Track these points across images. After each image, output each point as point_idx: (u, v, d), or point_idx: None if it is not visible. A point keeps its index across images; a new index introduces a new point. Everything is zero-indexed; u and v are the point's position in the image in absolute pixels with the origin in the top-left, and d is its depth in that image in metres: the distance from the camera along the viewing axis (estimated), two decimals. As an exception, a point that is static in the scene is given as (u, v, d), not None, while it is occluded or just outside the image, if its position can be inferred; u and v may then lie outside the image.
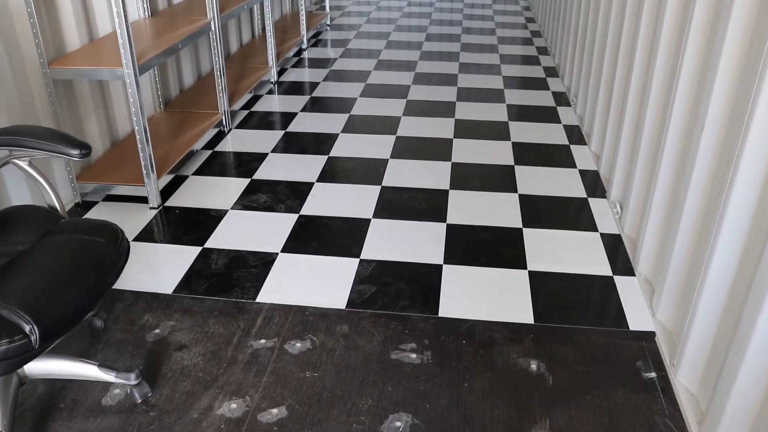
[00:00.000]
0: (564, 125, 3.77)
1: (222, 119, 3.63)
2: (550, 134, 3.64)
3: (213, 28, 3.45)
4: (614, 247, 2.59)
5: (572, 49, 4.24)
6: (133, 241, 2.63)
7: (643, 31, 2.60)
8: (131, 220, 2.77)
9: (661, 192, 2.31)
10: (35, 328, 1.37)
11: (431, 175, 3.15)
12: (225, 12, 3.63)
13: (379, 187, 3.03)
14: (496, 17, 6.61)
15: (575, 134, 3.64)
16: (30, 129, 1.79)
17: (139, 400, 1.84)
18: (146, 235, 2.67)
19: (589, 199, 2.95)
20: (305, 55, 5.22)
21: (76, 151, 1.69)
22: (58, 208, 1.84)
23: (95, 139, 3.13)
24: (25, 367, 1.74)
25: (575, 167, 3.24)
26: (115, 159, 3.11)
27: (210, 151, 3.43)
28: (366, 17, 6.59)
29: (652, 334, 2.11)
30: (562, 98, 4.22)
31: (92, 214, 2.82)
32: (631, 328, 2.15)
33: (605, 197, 2.97)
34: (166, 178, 3.12)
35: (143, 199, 2.90)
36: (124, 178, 2.93)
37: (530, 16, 6.68)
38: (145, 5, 3.51)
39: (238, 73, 4.35)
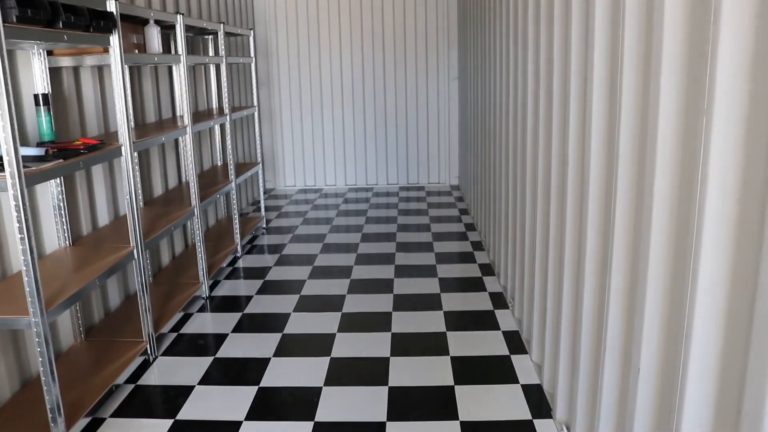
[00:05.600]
0: (503, 331, 3.69)
1: (147, 347, 3.43)
2: (490, 344, 3.54)
3: (136, 257, 3.34)
4: (565, 481, 2.41)
5: (505, 246, 4.24)
6: None
7: (570, 229, 2.57)
8: (34, 483, 2.48)
9: (606, 417, 2.19)
10: None
11: (368, 405, 2.96)
12: (150, 237, 3.55)
13: (312, 423, 2.82)
14: (430, 210, 6.75)
15: (515, 342, 3.55)
16: None
17: None
18: (49, 502, 2.38)
19: (534, 421, 2.80)
20: (240, 263, 5.14)
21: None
22: None
23: (2, 383, 2.89)
24: None
25: (518, 382, 3.11)
26: (23, 404, 2.85)
27: (133, 385, 3.19)
28: (302, 217, 6.65)
29: None
30: (500, 300, 4.18)
31: (-10, 478, 2.52)
32: None
33: (551, 417, 2.82)
34: (82, 422, 2.87)
35: (50, 455, 2.62)
36: (29, 429, 2.66)
37: (464, 207, 6.85)
38: (66, 233, 3.41)
39: (169, 291, 4.22)
